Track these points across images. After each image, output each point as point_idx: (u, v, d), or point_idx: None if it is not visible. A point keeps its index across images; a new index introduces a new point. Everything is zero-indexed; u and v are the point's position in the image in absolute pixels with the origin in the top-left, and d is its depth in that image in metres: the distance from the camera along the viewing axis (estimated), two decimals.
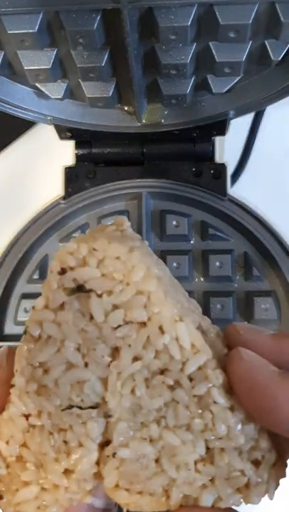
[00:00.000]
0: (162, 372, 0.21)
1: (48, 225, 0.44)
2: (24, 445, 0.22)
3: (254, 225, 0.43)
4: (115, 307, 0.21)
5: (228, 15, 0.30)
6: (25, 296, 0.43)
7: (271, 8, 0.30)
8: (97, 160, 0.45)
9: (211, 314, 0.42)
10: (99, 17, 0.30)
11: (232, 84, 0.37)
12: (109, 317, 0.21)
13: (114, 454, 0.21)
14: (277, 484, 0.21)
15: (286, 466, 0.21)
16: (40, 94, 0.39)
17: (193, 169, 0.44)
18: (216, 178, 0.44)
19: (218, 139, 0.45)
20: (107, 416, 0.22)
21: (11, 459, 0.22)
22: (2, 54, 0.35)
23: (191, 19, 0.30)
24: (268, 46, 0.33)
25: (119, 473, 0.21)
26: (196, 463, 0.21)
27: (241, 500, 0.21)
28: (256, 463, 0.21)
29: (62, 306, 0.21)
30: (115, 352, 0.21)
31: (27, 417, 0.22)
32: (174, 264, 0.43)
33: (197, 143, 0.44)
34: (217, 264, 0.43)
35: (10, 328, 0.43)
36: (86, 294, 0.21)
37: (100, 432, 0.22)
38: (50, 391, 0.21)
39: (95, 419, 0.21)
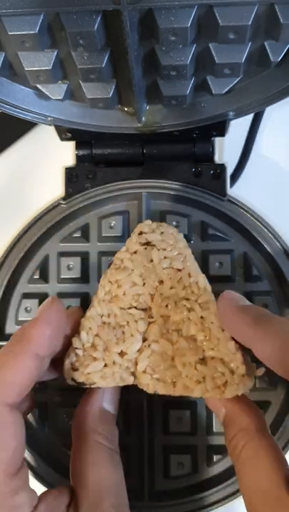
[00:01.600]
0: (185, 299, 0.34)
1: (48, 226, 0.44)
2: (97, 335, 0.33)
3: (254, 225, 0.43)
4: (165, 257, 0.35)
5: (228, 16, 0.30)
6: (26, 295, 0.43)
7: (270, 10, 0.30)
8: (98, 160, 0.45)
9: None
10: (99, 18, 0.31)
11: (232, 85, 0.37)
12: (161, 262, 0.35)
13: (148, 345, 0.33)
14: (244, 390, 0.31)
15: (251, 381, 0.32)
16: (40, 95, 0.39)
17: (193, 170, 0.44)
18: (215, 178, 0.44)
19: (217, 140, 0.46)
20: (150, 317, 0.34)
21: (87, 345, 0.33)
22: (3, 55, 0.35)
23: (191, 20, 0.31)
24: (267, 47, 0.34)
25: (149, 360, 0.33)
26: (195, 363, 0.32)
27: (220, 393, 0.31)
28: (232, 371, 0.31)
29: (135, 252, 0.35)
30: (161, 282, 0.35)
31: (101, 316, 0.34)
32: None
33: (197, 143, 0.44)
34: (217, 264, 0.43)
35: (11, 328, 0.43)
36: (151, 247, 0.36)
37: (144, 328, 0.34)
38: (119, 298, 0.34)
39: (143, 319, 0.34)
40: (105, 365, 0.33)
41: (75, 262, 0.44)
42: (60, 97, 0.38)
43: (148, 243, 0.36)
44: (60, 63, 0.36)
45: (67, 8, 0.30)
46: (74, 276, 0.44)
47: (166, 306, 0.34)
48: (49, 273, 0.44)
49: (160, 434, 0.41)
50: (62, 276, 0.44)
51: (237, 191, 0.46)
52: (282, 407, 0.41)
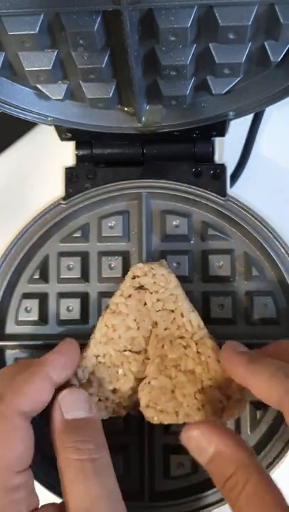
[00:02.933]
0: (180, 338, 0.36)
1: (48, 226, 0.44)
2: (92, 373, 0.36)
3: (254, 225, 0.43)
4: (158, 300, 0.37)
5: (228, 16, 0.30)
6: (26, 296, 0.43)
7: (270, 10, 0.30)
8: (98, 160, 0.45)
9: (211, 314, 0.42)
10: (99, 18, 0.31)
11: (232, 85, 0.37)
12: (155, 305, 0.37)
13: (148, 382, 0.36)
14: (240, 413, 0.36)
15: (246, 403, 0.36)
16: (40, 95, 0.39)
17: (193, 170, 0.44)
18: (215, 178, 0.44)
19: (217, 140, 0.46)
20: (147, 358, 0.37)
21: (83, 381, 0.36)
22: (3, 55, 0.35)
23: (191, 20, 0.31)
24: (267, 47, 0.34)
25: (150, 395, 0.35)
26: (195, 393, 0.35)
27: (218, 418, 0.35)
28: (228, 398, 0.35)
29: (130, 296, 0.37)
30: (155, 325, 0.37)
31: (97, 357, 0.36)
32: (174, 264, 0.43)
33: (197, 143, 0.44)
34: (217, 264, 0.43)
35: (11, 328, 0.43)
36: (144, 290, 0.37)
37: (138, 368, 0.36)
38: (114, 341, 0.37)
39: (137, 360, 0.37)
40: (99, 400, 0.36)
41: (75, 262, 0.44)
42: (60, 97, 0.39)
43: (141, 287, 0.38)
44: (60, 63, 0.36)
45: (67, 8, 0.30)
46: (74, 276, 0.44)
47: (162, 346, 0.36)
48: (49, 273, 0.44)
49: (160, 434, 0.41)
50: (62, 276, 0.44)
51: (237, 191, 0.46)
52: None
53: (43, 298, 0.43)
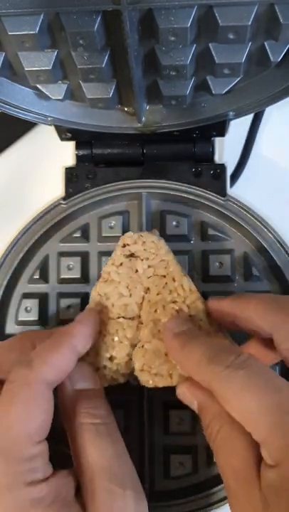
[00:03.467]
0: (173, 302, 0.37)
1: (48, 226, 0.44)
2: None
3: (254, 225, 0.43)
4: (149, 266, 0.38)
5: (228, 16, 0.30)
6: (26, 295, 0.43)
7: (270, 10, 0.30)
8: (98, 160, 0.45)
9: None
10: (99, 18, 0.31)
11: (232, 85, 0.37)
12: (146, 271, 0.37)
13: (142, 346, 0.36)
14: None
15: None
16: (40, 95, 0.39)
17: (193, 170, 0.44)
18: (215, 178, 0.44)
19: (217, 140, 0.46)
20: (141, 323, 0.37)
21: None
22: (3, 55, 0.35)
23: (190, 20, 0.31)
24: (267, 47, 0.34)
25: (144, 359, 0.36)
26: None
27: None
28: None
29: (121, 264, 0.38)
30: (147, 290, 0.37)
31: None
32: None
33: (197, 143, 0.44)
34: (217, 264, 0.43)
35: (11, 328, 0.43)
36: (135, 258, 0.38)
37: (133, 335, 0.36)
38: (108, 309, 0.37)
39: (131, 327, 0.37)
40: (97, 369, 0.36)
41: (75, 262, 0.44)
42: (60, 97, 0.39)
43: (132, 254, 0.38)
44: (60, 63, 0.36)
45: (67, 8, 0.30)
46: (74, 276, 0.44)
47: (155, 311, 0.37)
48: (49, 273, 0.44)
49: (160, 434, 0.41)
50: (62, 277, 0.44)
51: (237, 191, 0.46)
52: None
53: (43, 298, 0.43)
